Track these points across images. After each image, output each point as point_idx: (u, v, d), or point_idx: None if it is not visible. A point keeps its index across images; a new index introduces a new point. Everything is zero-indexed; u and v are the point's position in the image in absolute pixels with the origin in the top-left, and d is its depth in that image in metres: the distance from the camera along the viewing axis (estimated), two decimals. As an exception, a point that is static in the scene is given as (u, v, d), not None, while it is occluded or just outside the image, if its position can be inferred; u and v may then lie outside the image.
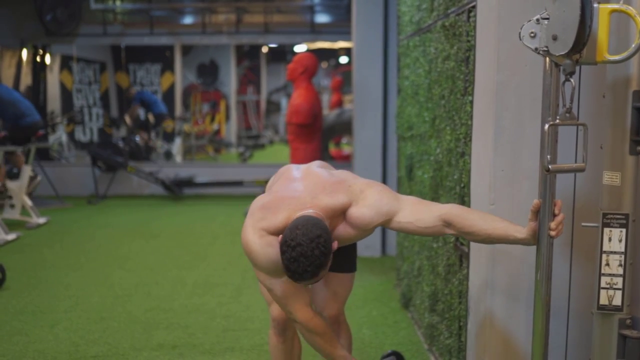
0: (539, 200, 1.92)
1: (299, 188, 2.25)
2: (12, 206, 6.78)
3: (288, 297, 2.20)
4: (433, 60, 3.27)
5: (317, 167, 2.41)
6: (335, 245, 2.06)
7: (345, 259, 2.53)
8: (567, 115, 1.85)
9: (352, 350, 2.79)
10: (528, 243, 1.99)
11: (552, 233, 1.91)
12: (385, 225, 2.21)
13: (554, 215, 1.92)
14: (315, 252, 1.98)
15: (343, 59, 15.57)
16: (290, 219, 2.11)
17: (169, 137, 11.07)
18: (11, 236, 6.06)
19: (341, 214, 2.18)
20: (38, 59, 9.65)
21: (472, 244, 2.59)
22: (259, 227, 2.14)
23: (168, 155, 10.83)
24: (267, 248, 2.13)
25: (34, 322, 3.95)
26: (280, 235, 2.08)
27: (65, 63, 10.68)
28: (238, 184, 8.71)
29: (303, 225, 2.01)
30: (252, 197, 2.28)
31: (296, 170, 2.39)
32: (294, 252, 1.98)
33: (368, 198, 2.18)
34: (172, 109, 11.02)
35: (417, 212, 2.16)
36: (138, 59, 11.07)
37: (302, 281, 2.04)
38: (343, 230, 2.19)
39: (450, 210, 2.12)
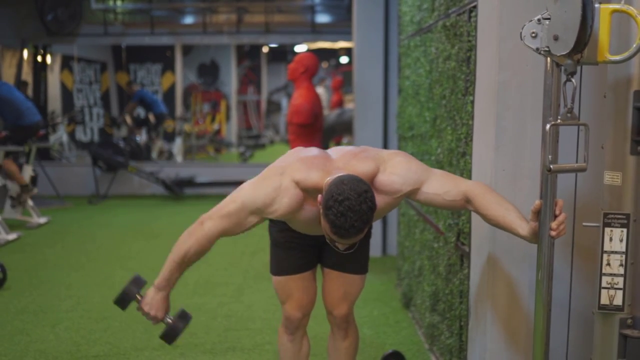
0: (540, 201, 1.93)
1: (331, 154, 2.26)
2: (13, 206, 6.79)
3: (223, 215, 2.20)
4: (434, 60, 3.27)
5: (340, 146, 2.41)
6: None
7: (357, 260, 2.53)
8: (568, 115, 1.85)
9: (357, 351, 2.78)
10: (529, 241, 2.01)
11: (553, 233, 1.92)
12: (411, 196, 2.21)
13: (555, 216, 1.92)
14: (363, 207, 1.96)
15: (344, 59, 15.58)
16: (323, 180, 2.10)
17: (169, 137, 11.08)
18: (12, 236, 6.06)
19: (371, 181, 2.16)
20: (39, 58, 9.66)
21: (472, 244, 2.60)
22: (292, 177, 2.14)
23: (168, 154, 10.84)
24: (283, 194, 2.12)
25: (35, 321, 3.95)
26: (319, 195, 2.06)
27: (66, 63, 10.69)
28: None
29: (349, 180, 2.00)
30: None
31: (317, 149, 2.37)
32: (341, 207, 1.95)
33: (396, 166, 2.19)
34: (173, 109, 11.03)
35: (444, 185, 2.18)
36: (139, 59, 11.08)
37: (347, 237, 2.00)
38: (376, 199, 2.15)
39: (474, 187, 2.15)
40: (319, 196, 2.07)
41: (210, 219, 2.23)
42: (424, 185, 2.18)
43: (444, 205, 2.21)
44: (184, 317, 2.35)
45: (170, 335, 2.32)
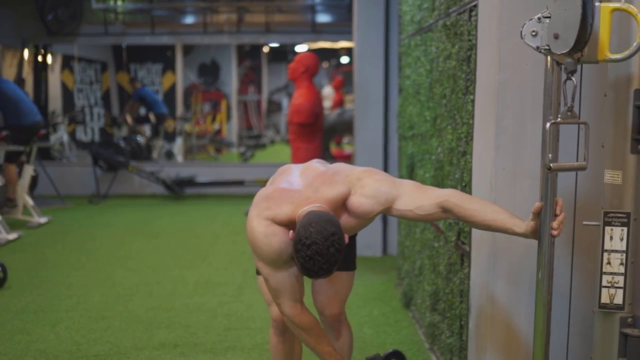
0: (540, 203, 1.93)
1: (300, 182, 2.26)
2: (14, 206, 6.79)
3: (281, 291, 2.22)
4: (434, 59, 3.27)
5: (314, 163, 2.43)
6: (346, 239, 2.08)
7: (345, 257, 2.53)
8: (569, 113, 1.85)
9: (354, 350, 2.79)
10: (525, 237, 2.01)
11: (555, 232, 1.92)
12: (385, 213, 2.23)
13: (555, 216, 1.92)
14: (330, 250, 1.99)
15: (344, 59, 15.58)
16: (295, 213, 2.12)
17: (170, 137, 11.08)
18: (13, 235, 6.06)
19: (342, 204, 2.19)
20: (39, 58, 9.66)
21: (473, 243, 2.60)
22: (264, 217, 2.16)
23: (169, 154, 10.84)
24: (271, 237, 2.14)
25: (35, 321, 3.95)
26: (291, 232, 2.08)
27: (67, 63, 10.69)
28: (239, 183, 8.72)
29: (316, 222, 2.02)
30: (253, 196, 2.29)
31: (295, 167, 2.42)
32: (309, 251, 1.98)
33: (366, 187, 2.20)
34: (174, 108, 11.03)
35: (416, 199, 2.17)
36: (139, 59, 11.08)
37: (317, 277, 2.06)
38: (345, 220, 2.20)
39: (449, 198, 2.13)
40: (290, 233, 2.10)
41: (282, 308, 2.26)
42: (395, 203, 2.19)
43: (419, 219, 2.22)
44: None
45: None
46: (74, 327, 3.85)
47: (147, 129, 10.59)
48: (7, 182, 6.59)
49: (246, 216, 2.28)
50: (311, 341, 2.29)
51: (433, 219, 2.23)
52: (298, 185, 2.24)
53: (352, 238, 2.51)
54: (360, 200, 2.19)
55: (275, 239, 2.14)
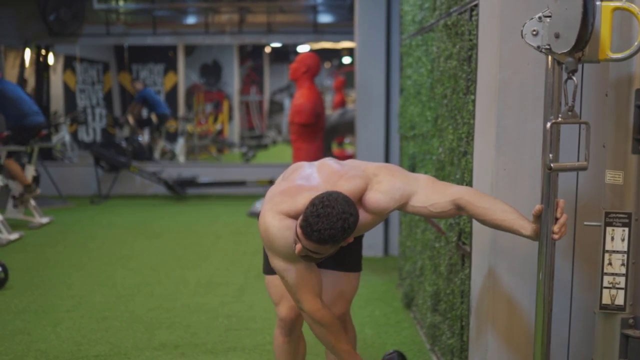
0: (541, 206, 1.92)
1: (317, 178, 2.25)
2: (16, 206, 6.79)
3: (300, 285, 2.20)
4: (435, 59, 3.26)
5: (329, 160, 2.42)
6: (350, 238, 2.07)
7: (351, 258, 2.53)
8: (570, 113, 1.84)
9: (355, 350, 2.78)
10: (532, 239, 2.00)
11: (556, 237, 1.91)
12: (400, 209, 2.23)
13: (556, 218, 1.91)
14: (338, 223, 1.98)
15: (346, 59, 15.57)
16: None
17: (172, 137, 11.08)
18: (14, 236, 6.06)
19: (359, 200, 2.18)
20: (41, 59, 9.67)
21: (474, 243, 2.59)
22: (278, 211, 2.14)
23: (171, 155, 10.85)
24: (285, 231, 2.12)
25: (36, 321, 3.95)
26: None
27: (69, 63, 10.69)
28: (241, 184, 8.71)
29: (337, 195, 2.02)
30: (255, 197, 2.29)
31: (309, 165, 2.39)
32: (322, 209, 1.97)
33: (382, 183, 2.20)
34: (175, 109, 11.03)
35: (431, 196, 2.18)
36: (141, 59, 11.09)
37: (309, 239, 2.00)
38: (362, 216, 2.17)
39: (463, 195, 2.14)
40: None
41: (301, 304, 2.24)
42: (410, 200, 2.19)
43: (433, 216, 2.23)
44: None
45: None
46: (75, 327, 3.85)
47: (146, 133, 10.56)
48: (15, 176, 6.60)
49: (249, 217, 2.28)
50: (332, 338, 2.27)
51: (447, 216, 2.24)
52: (315, 181, 2.23)
53: (358, 240, 2.49)
54: (376, 196, 2.18)
55: (290, 232, 2.13)
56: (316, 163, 2.40)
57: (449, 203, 2.15)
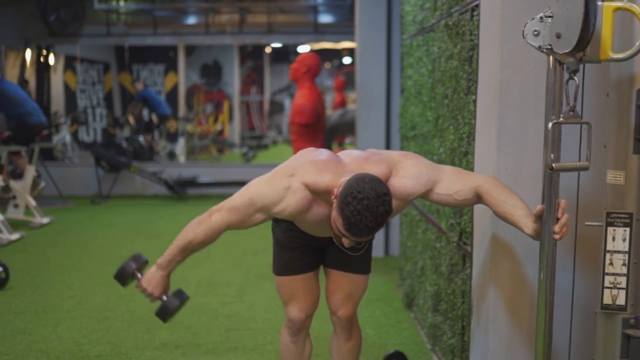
0: (542, 206, 1.92)
1: (343, 158, 2.24)
2: (16, 206, 6.79)
3: (232, 208, 2.21)
4: (436, 59, 3.27)
5: (349, 150, 2.41)
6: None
7: (362, 260, 2.52)
8: (571, 113, 1.84)
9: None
10: (533, 239, 2.01)
11: (557, 237, 1.91)
12: (424, 197, 2.22)
13: (557, 219, 1.91)
14: (380, 209, 1.96)
15: (346, 60, 15.58)
16: (335, 183, 2.09)
17: (172, 138, 11.08)
18: (15, 236, 6.06)
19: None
20: (42, 59, 9.67)
21: (475, 243, 2.59)
22: (301, 179, 2.13)
23: (171, 155, 10.84)
24: (291, 193, 2.12)
25: (37, 321, 3.95)
26: (335, 189, 2.04)
27: (69, 63, 10.70)
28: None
29: (370, 179, 2.00)
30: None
31: (330, 152, 2.36)
32: (359, 205, 1.94)
33: (407, 169, 2.19)
34: (176, 109, 11.04)
35: (455, 184, 2.18)
36: (141, 60, 11.09)
37: (359, 236, 2.00)
38: None
39: (484, 184, 2.15)
40: (335, 189, 2.06)
41: (218, 211, 2.25)
42: (436, 186, 2.19)
43: (456, 204, 2.23)
44: (180, 296, 2.39)
45: (163, 312, 2.36)
46: (76, 328, 3.85)
47: (155, 136, 10.54)
48: (20, 167, 6.64)
49: None
50: (191, 229, 2.28)
51: (469, 204, 2.25)
52: (342, 162, 2.21)
53: (370, 241, 2.46)
54: (402, 182, 2.17)
55: (294, 197, 2.12)
56: (338, 152, 2.39)
57: (471, 190, 2.16)
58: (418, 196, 2.21)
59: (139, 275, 2.36)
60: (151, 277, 2.32)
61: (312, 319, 2.59)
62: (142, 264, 2.39)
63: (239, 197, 2.23)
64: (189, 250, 2.30)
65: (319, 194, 2.14)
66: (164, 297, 2.36)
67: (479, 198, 2.17)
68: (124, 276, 2.36)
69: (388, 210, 1.99)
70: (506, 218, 2.09)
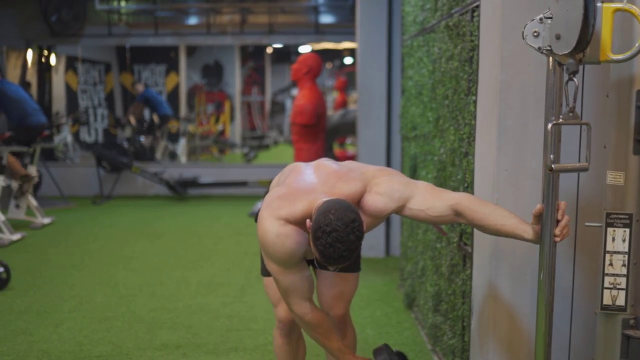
0: (541, 205, 1.92)
1: (314, 180, 2.23)
2: (18, 206, 6.80)
3: (291, 290, 2.21)
4: (437, 60, 3.27)
5: (325, 161, 2.41)
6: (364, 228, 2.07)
7: None
8: (571, 114, 1.85)
9: (356, 350, 2.79)
10: (535, 243, 2.00)
11: (557, 239, 1.91)
12: (398, 213, 2.22)
13: (557, 220, 1.91)
14: (350, 237, 1.97)
15: (347, 60, 15.57)
16: (311, 207, 2.08)
17: (173, 138, 11.09)
18: (16, 236, 6.07)
19: (357, 202, 2.17)
20: (43, 59, 9.68)
21: (475, 244, 2.59)
22: (277, 216, 2.13)
23: (172, 155, 10.85)
24: (284, 238, 2.12)
25: (38, 321, 3.96)
26: (308, 221, 2.05)
27: (71, 64, 10.71)
28: (242, 184, 8.71)
29: (336, 209, 1.99)
30: (257, 197, 2.29)
31: (306, 166, 2.38)
32: (329, 238, 1.95)
33: (381, 185, 2.19)
34: (177, 109, 11.04)
35: (428, 200, 2.17)
36: (143, 60, 11.09)
37: (337, 265, 2.03)
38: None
39: (461, 201, 2.13)
40: (307, 221, 2.07)
41: (292, 307, 2.26)
42: (408, 202, 2.18)
43: (430, 220, 2.21)
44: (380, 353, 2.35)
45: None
46: (77, 328, 3.85)
47: (164, 139, 10.51)
48: (11, 167, 6.58)
49: (250, 218, 2.28)
50: (320, 338, 2.29)
51: (445, 222, 2.22)
52: (313, 184, 2.21)
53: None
54: (375, 198, 2.18)
55: (288, 240, 2.12)
56: (313, 163, 2.39)
57: (447, 208, 2.13)
58: (391, 212, 2.21)
59: None
60: None
61: None
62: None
63: (282, 279, 2.21)
64: (337, 340, 2.34)
65: (299, 223, 2.13)
66: None
67: (457, 215, 2.13)
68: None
69: (359, 236, 1.99)
70: (498, 230, 2.06)
